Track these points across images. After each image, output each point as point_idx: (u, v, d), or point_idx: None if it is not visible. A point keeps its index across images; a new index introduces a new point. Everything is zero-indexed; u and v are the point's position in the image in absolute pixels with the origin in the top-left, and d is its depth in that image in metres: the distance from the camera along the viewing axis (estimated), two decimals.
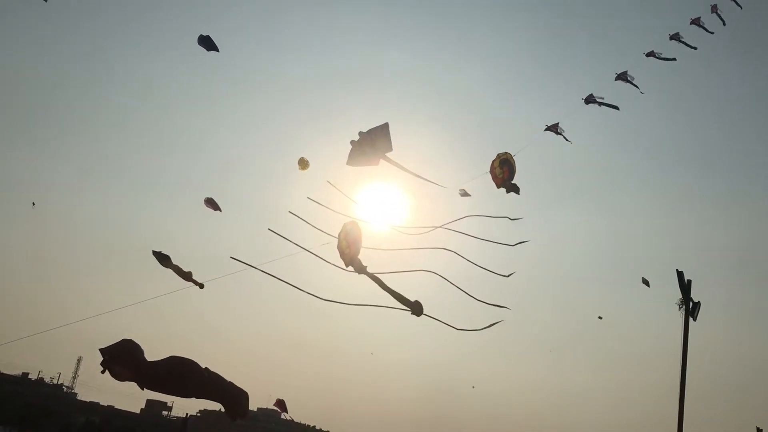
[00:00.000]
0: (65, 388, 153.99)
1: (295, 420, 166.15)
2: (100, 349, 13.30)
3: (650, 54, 24.78)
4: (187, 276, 13.86)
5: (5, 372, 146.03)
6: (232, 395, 10.42)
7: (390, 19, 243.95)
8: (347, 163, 10.07)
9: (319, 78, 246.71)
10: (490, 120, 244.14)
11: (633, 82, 24.26)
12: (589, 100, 22.88)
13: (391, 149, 9.92)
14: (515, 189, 13.10)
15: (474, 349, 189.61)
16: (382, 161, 9.98)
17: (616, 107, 23.22)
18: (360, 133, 9.99)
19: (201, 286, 13.82)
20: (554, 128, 21.20)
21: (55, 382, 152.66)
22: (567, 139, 22.08)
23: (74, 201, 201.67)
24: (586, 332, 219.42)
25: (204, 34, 17.10)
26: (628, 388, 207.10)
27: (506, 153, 12.93)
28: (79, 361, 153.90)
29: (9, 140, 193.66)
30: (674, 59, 25.16)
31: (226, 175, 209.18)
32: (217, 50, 17.25)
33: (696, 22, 26.09)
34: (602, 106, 22.67)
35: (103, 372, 9.57)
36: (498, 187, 12.98)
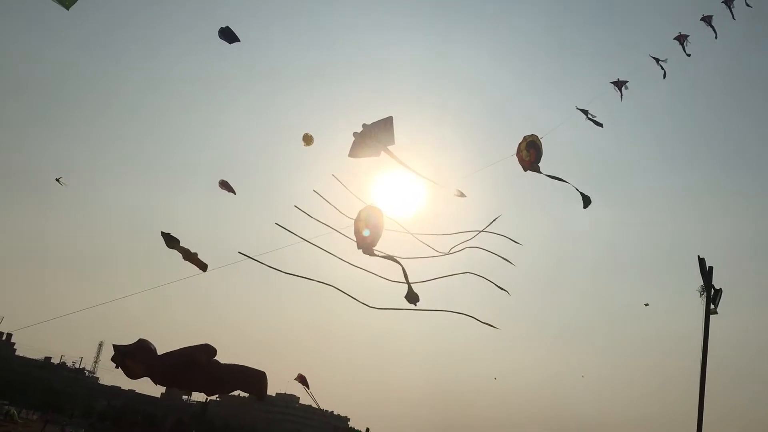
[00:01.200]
0: (87, 373, 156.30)
1: (315, 396, 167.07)
2: (114, 346, 13.35)
3: (678, 38, 24.16)
4: (193, 257, 13.99)
5: (28, 356, 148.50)
6: (249, 379, 10.47)
7: (405, 6, 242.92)
8: (349, 155, 10.03)
9: (335, 66, 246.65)
10: (508, 109, 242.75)
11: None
12: (618, 85, 22.46)
13: (393, 143, 9.88)
14: (540, 171, 12.84)
15: (496, 341, 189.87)
16: (383, 154, 9.95)
17: (600, 125, 22.71)
18: (364, 126, 9.93)
19: (204, 268, 13.98)
20: (585, 111, 20.75)
21: (77, 366, 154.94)
22: (598, 123, 21.54)
23: (94, 187, 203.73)
24: (607, 321, 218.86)
25: (223, 27, 16.96)
26: (649, 376, 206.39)
27: (533, 135, 12.70)
28: (100, 345, 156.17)
29: (34, 128, 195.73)
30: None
31: (239, 160, 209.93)
32: (239, 40, 17.13)
33: (706, 19, 25.32)
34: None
35: (116, 368, 9.62)
36: (525, 170, 12.74)
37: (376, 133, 9.75)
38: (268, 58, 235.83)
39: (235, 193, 19.98)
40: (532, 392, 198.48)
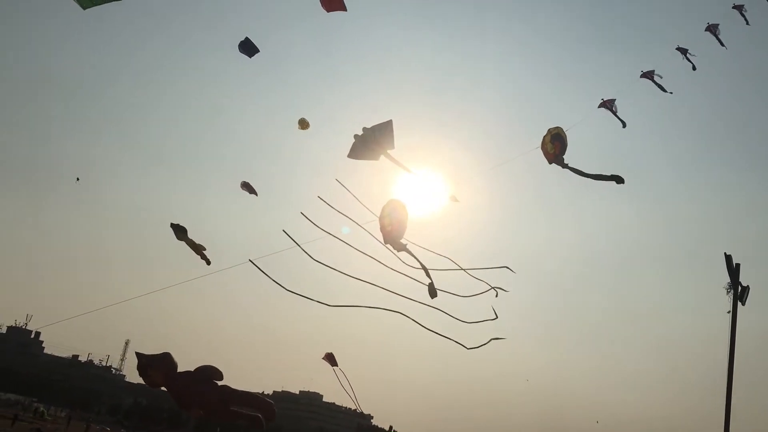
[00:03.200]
0: (114, 370, 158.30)
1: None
2: (137, 354, 13.52)
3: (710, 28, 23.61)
4: (199, 249, 14.28)
5: (57, 354, 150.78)
6: (257, 406, 10.73)
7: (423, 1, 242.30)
8: (348, 156, 10.09)
9: (352, 64, 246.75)
10: (532, 103, 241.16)
11: (658, 82, 23.00)
12: (646, 75, 21.92)
13: (393, 147, 9.89)
14: (566, 164, 12.67)
15: (519, 339, 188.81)
16: (382, 158, 10.00)
17: (669, 91, 22.26)
18: (364, 129, 9.95)
19: (208, 262, 14.38)
20: (608, 105, 20.45)
21: (104, 364, 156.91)
22: (621, 119, 21.17)
23: (122, 187, 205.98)
24: (632, 319, 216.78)
25: (242, 40, 17.10)
26: (676, 373, 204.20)
27: (558, 127, 12.56)
28: (126, 344, 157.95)
29: (58, 128, 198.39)
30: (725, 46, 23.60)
31: (260, 159, 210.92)
32: (258, 51, 17.28)
33: (738, 8, 24.79)
34: (655, 84, 21.73)
35: (140, 375, 9.80)
36: (550, 162, 12.61)
37: (376, 137, 9.78)
38: (286, 56, 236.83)
39: (257, 195, 20.06)
40: (556, 392, 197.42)
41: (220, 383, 10.44)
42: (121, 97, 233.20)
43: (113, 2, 8.71)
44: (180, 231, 14.26)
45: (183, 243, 14.48)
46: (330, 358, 16.57)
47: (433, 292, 9.80)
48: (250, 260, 9.70)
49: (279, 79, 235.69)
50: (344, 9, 12.58)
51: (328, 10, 12.51)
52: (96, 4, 8.64)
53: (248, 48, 17.06)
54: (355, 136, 9.91)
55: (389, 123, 9.79)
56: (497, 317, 10.49)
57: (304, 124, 18.32)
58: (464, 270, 10.65)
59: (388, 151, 9.90)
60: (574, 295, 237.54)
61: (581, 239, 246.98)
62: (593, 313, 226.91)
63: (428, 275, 9.87)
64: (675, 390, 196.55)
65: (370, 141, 9.72)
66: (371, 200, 10.11)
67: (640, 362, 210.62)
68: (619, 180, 12.52)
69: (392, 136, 9.75)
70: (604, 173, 12.51)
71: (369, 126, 9.92)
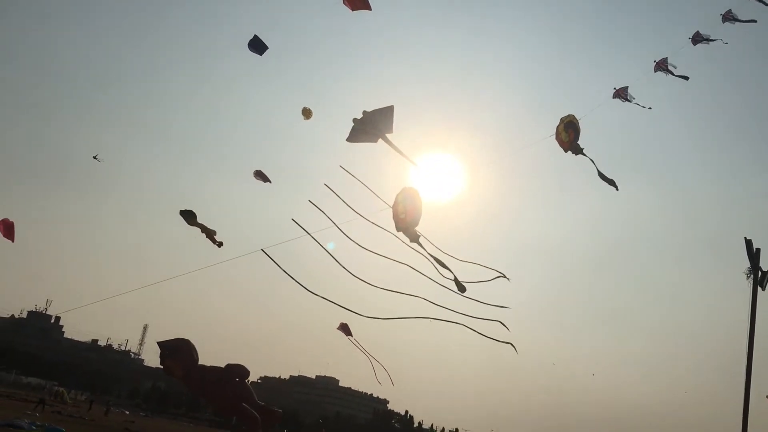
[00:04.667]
0: (133, 355, 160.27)
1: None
2: (158, 343, 13.71)
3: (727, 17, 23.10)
4: (210, 234, 14.44)
5: (77, 339, 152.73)
6: (264, 413, 10.97)
7: None
8: (347, 140, 10.05)
9: (372, 46, 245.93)
10: (549, 89, 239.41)
11: (674, 71, 22.38)
12: (660, 66, 21.40)
13: (391, 131, 9.83)
14: (582, 151, 12.66)
15: (536, 327, 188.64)
16: (380, 141, 9.95)
17: (685, 77, 21.80)
18: (364, 113, 9.90)
19: (219, 245, 14.53)
20: (622, 93, 20.09)
21: (123, 348, 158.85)
22: (641, 105, 20.74)
23: (140, 174, 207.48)
24: (651, 303, 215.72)
25: (251, 38, 17.25)
26: (694, 358, 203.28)
27: (570, 116, 12.56)
28: (145, 328, 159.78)
29: (81, 119, 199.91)
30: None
31: (269, 143, 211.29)
32: (267, 48, 17.45)
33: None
34: (670, 74, 21.27)
35: (161, 365, 9.96)
36: (566, 150, 12.60)
37: (375, 121, 9.72)
38: (303, 38, 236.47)
39: (270, 182, 20.21)
40: (576, 379, 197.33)
41: (242, 380, 10.60)
42: (131, 85, 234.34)
43: None
44: (190, 216, 14.45)
45: (195, 228, 14.67)
46: (345, 328, 16.71)
47: (461, 287, 9.84)
48: (262, 250, 9.72)
49: (293, 63, 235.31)
50: (369, 8, 12.46)
51: (353, 9, 12.40)
52: None
53: (257, 46, 17.26)
54: (354, 120, 9.88)
55: (390, 108, 9.77)
56: (509, 308, 10.41)
57: (307, 113, 18.45)
58: (468, 261, 10.58)
59: (387, 136, 9.85)
60: (590, 283, 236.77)
61: (598, 226, 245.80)
62: (610, 301, 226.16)
63: (447, 268, 9.86)
64: (693, 378, 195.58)
65: (369, 124, 9.67)
66: (385, 189, 10.07)
67: (659, 350, 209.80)
68: (614, 185, 13.06)
69: (392, 121, 9.71)
70: (606, 176, 12.91)
71: (370, 110, 9.87)
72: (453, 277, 9.81)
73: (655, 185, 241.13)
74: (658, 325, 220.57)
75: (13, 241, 18.96)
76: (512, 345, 10.25)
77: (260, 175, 20.06)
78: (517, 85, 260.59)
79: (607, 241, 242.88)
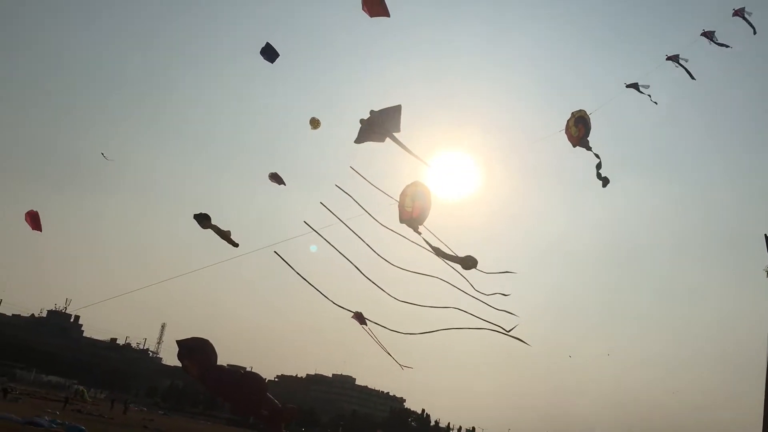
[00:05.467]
0: (151, 353, 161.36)
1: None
2: (177, 341, 13.84)
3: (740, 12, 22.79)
4: (225, 235, 14.50)
5: (96, 338, 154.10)
6: (281, 414, 11.12)
7: None
8: (355, 141, 9.99)
9: (388, 42, 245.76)
10: (557, 82, 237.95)
11: (684, 65, 22.03)
12: (672, 58, 21.33)
13: (399, 130, 9.80)
14: (590, 148, 12.59)
15: (554, 328, 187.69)
16: (388, 140, 9.91)
17: (692, 77, 21.57)
18: (371, 112, 9.84)
19: (235, 245, 14.56)
20: (635, 86, 19.99)
21: (141, 347, 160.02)
22: (652, 100, 20.63)
23: (156, 173, 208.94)
24: (666, 300, 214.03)
25: (264, 46, 17.45)
26: (712, 357, 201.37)
27: (581, 110, 12.45)
28: (163, 327, 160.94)
29: (96, 120, 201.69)
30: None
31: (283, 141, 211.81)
32: (278, 55, 17.65)
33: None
34: (682, 67, 21.14)
35: (179, 362, 10.07)
36: (574, 146, 12.50)
37: (383, 120, 9.67)
38: (318, 33, 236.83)
39: (285, 185, 20.43)
40: (592, 369, 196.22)
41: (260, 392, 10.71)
42: (147, 83, 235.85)
43: None
44: (204, 219, 14.50)
45: (209, 231, 14.75)
46: (359, 317, 16.72)
47: (472, 261, 9.81)
48: (275, 252, 9.80)
49: (306, 63, 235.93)
50: (387, 15, 12.41)
51: (372, 16, 12.37)
52: None
53: (269, 53, 17.42)
54: (361, 120, 9.85)
55: (398, 107, 9.71)
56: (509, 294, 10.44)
57: (315, 123, 18.57)
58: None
59: (395, 134, 9.81)
60: (608, 282, 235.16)
61: (615, 223, 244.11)
62: (630, 298, 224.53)
63: (450, 257, 9.85)
64: (713, 376, 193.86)
65: (376, 124, 9.64)
66: (400, 187, 10.08)
67: (678, 348, 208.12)
68: (605, 182, 13.06)
69: (399, 120, 9.66)
70: (602, 174, 12.89)
71: (377, 109, 9.85)
72: (459, 257, 9.81)
73: (674, 183, 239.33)
74: (678, 324, 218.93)
75: (41, 231, 19.32)
76: (522, 340, 10.22)
77: (275, 178, 20.25)
78: (534, 80, 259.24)
79: (624, 240, 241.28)
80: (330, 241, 9.95)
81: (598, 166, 13.11)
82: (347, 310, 10.36)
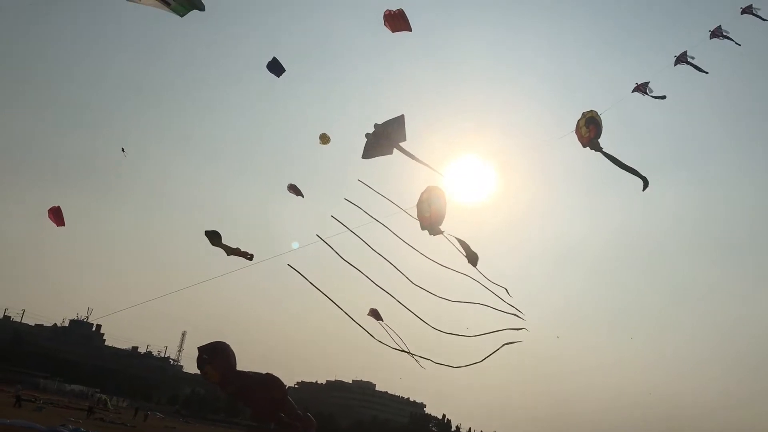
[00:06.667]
0: (172, 361, 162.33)
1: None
2: (198, 348, 13.96)
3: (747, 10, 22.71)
4: (236, 252, 14.62)
5: (117, 346, 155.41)
6: (299, 420, 11.12)
7: None
8: (362, 157, 9.87)
9: (399, 49, 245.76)
10: (568, 82, 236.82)
11: (693, 63, 21.88)
12: (681, 59, 21.30)
13: (404, 139, 9.72)
14: (601, 149, 12.52)
15: (572, 328, 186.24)
16: (396, 151, 9.93)
17: (705, 71, 21.53)
18: (375, 125, 9.76)
19: (250, 257, 14.68)
20: (642, 88, 19.94)
21: (162, 355, 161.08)
22: (657, 97, 20.53)
23: (176, 181, 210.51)
24: (684, 304, 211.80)
25: (271, 60, 17.74)
26: (732, 359, 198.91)
27: (592, 111, 12.34)
28: (183, 335, 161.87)
29: (115, 128, 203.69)
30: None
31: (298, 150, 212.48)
32: (284, 70, 17.96)
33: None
34: (690, 66, 21.09)
35: (198, 368, 10.22)
36: (584, 146, 12.42)
37: (388, 132, 9.63)
38: (330, 42, 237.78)
39: (303, 197, 20.86)
40: (613, 373, 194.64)
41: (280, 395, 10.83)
42: (169, 96, 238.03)
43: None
44: (214, 237, 14.60)
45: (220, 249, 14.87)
46: (375, 314, 16.88)
47: (474, 258, 10.00)
48: (288, 265, 9.92)
49: (321, 68, 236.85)
50: (410, 29, 12.45)
51: (393, 31, 12.41)
52: (189, 11, 9.18)
53: (275, 68, 17.72)
54: (367, 135, 9.78)
55: (401, 117, 9.67)
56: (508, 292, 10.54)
57: (325, 139, 18.95)
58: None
59: (402, 145, 9.85)
60: (627, 284, 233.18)
61: (632, 224, 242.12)
62: (647, 299, 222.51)
63: (467, 248, 10.04)
64: (728, 378, 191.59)
65: (382, 136, 9.64)
66: (416, 192, 10.21)
67: (696, 349, 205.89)
68: (645, 183, 12.72)
69: (404, 130, 9.64)
70: (639, 171, 12.52)
71: (380, 122, 9.88)
72: (471, 251, 10.02)
73: (692, 183, 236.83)
74: (696, 325, 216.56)
75: (64, 225, 19.81)
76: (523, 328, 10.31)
77: (293, 189, 20.72)
78: (546, 81, 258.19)
79: (642, 241, 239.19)
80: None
81: (630, 169, 12.83)
82: (355, 321, 10.42)
